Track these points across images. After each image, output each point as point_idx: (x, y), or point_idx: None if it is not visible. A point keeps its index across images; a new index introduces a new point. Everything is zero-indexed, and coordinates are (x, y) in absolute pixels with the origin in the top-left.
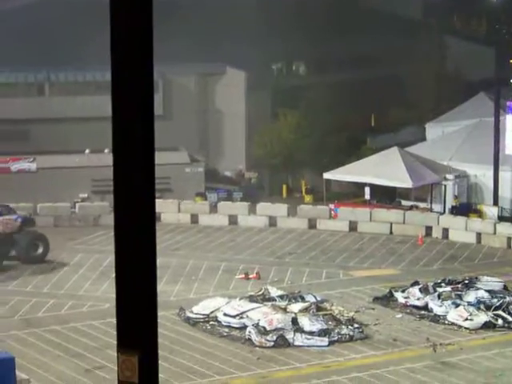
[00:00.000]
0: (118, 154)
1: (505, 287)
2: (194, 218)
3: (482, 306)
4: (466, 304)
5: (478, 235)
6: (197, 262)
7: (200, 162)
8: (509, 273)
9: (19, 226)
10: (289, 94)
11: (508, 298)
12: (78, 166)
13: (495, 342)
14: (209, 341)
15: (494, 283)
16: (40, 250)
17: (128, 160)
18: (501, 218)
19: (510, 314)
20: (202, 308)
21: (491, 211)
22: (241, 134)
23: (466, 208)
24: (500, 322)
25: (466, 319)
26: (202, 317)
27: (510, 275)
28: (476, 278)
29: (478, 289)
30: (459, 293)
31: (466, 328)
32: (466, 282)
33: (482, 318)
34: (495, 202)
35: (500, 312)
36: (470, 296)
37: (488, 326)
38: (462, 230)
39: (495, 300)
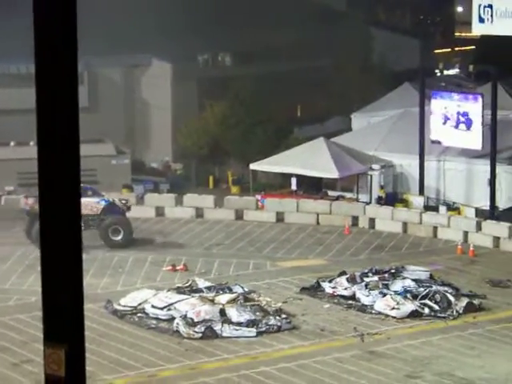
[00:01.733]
0: (43, 146)
1: (431, 276)
2: None
3: (408, 295)
4: (392, 293)
5: (405, 225)
6: (124, 254)
7: (126, 153)
8: (435, 262)
9: None
10: (215, 85)
11: (434, 287)
12: (3, 158)
13: (422, 331)
14: (137, 333)
15: (421, 272)
16: None
17: (52, 152)
18: (426, 208)
19: (436, 302)
20: (129, 300)
21: (417, 201)
22: (167, 125)
23: (392, 198)
24: (426, 310)
25: (393, 308)
26: (129, 309)
27: (436, 264)
28: (402, 267)
29: (404, 278)
30: (386, 282)
31: (392, 317)
32: (393, 271)
33: (409, 307)
34: (421, 192)
35: (426, 301)
36: (397, 285)
37: (415, 314)
38: (388, 220)
39: (422, 289)
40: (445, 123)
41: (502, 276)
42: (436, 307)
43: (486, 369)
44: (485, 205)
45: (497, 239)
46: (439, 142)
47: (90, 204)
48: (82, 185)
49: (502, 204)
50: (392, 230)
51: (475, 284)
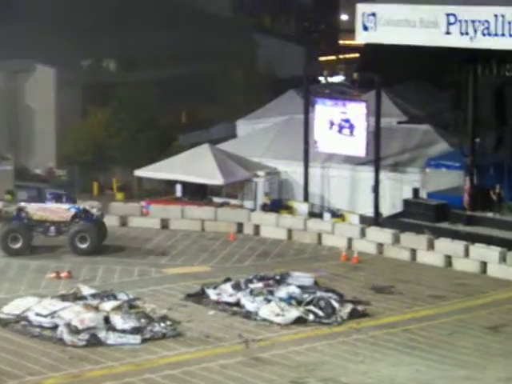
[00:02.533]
0: None
1: (315, 283)
2: None
3: (293, 302)
4: (277, 300)
5: (289, 231)
6: (7, 260)
7: (9, 159)
8: (319, 268)
9: None
10: (99, 91)
11: (319, 294)
12: None
13: (307, 337)
14: (20, 341)
15: (305, 279)
16: None
17: None
18: (311, 214)
19: (320, 309)
20: (12, 308)
21: (301, 207)
22: (51, 131)
23: (277, 204)
24: (311, 317)
25: (278, 315)
26: (12, 317)
27: (321, 271)
28: (287, 273)
29: (289, 284)
30: (271, 289)
31: (277, 324)
32: (278, 278)
33: (294, 313)
34: (305, 199)
35: (311, 307)
36: (282, 292)
37: (299, 321)
38: (273, 227)
39: (306, 295)
40: (329, 130)
41: (386, 282)
42: (320, 313)
43: (369, 374)
44: (369, 211)
45: (380, 246)
46: (323, 149)
47: (59, 210)
48: (53, 191)
49: (385, 211)
50: (277, 236)
51: (359, 290)
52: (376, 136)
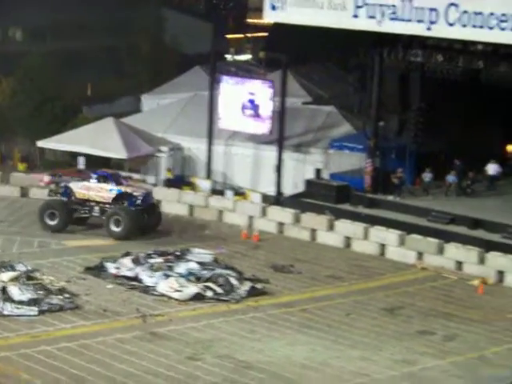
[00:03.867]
0: None
1: (215, 259)
2: None
3: (192, 278)
4: (176, 275)
5: (191, 208)
6: None
7: None
8: (219, 245)
9: None
10: (5, 60)
11: (218, 271)
12: None
13: (204, 314)
14: None
15: (205, 255)
16: None
17: None
18: (213, 192)
19: (219, 285)
20: None
21: (204, 184)
22: None
23: (179, 180)
24: (209, 293)
25: (176, 290)
26: None
27: (221, 248)
28: (187, 249)
29: (188, 260)
30: (170, 264)
31: (175, 299)
32: (178, 253)
33: (192, 289)
34: (208, 176)
35: (210, 284)
36: (181, 268)
37: (198, 297)
38: (175, 202)
39: (205, 272)
40: (233, 108)
41: (285, 261)
42: (219, 290)
43: (265, 352)
44: (271, 190)
45: (281, 225)
46: (227, 127)
47: (102, 191)
48: (101, 170)
49: (287, 190)
50: (179, 212)
51: (259, 268)
52: (280, 116)
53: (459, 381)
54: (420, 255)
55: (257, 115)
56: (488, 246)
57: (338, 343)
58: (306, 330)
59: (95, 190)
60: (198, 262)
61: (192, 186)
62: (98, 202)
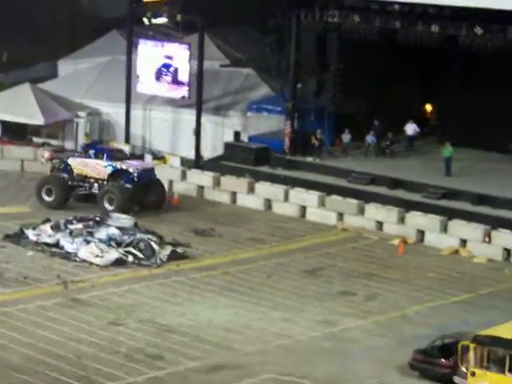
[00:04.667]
0: None
1: (135, 224)
2: None
3: (112, 243)
4: (97, 241)
5: None
6: None
7: None
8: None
9: None
10: None
11: (138, 235)
12: None
13: (126, 279)
14: None
15: (125, 220)
16: None
17: None
18: (132, 156)
19: (140, 250)
20: None
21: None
22: None
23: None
24: (130, 258)
25: (97, 256)
26: None
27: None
28: (107, 215)
29: (109, 226)
30: (90, 230)
31: (96, 265)
32: (98, 219)
33: (113, 255)
34: (127, 140)
35: (130, 249)
36: (101, 233)
37: (119, 262)
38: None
39: (126, 237)
40: (151, 72)
41: (206, 225)
42: (140, 255)
43: (187, 316)
44: (190, 154)
45: (201, 188)
46: (145, 91)
47: (98, 167)
48: (98, 146)
49: (206, 154)
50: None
51: (179, 232)
52: (198, 79)
53: (381, 340)
54: (340, 216)
55: (174, 79)
56: (408, 206)
57: (259, 305)
58: (228, 292)
59: (92, 167)
60: (119, 228)
61: None
62: (96, 179)
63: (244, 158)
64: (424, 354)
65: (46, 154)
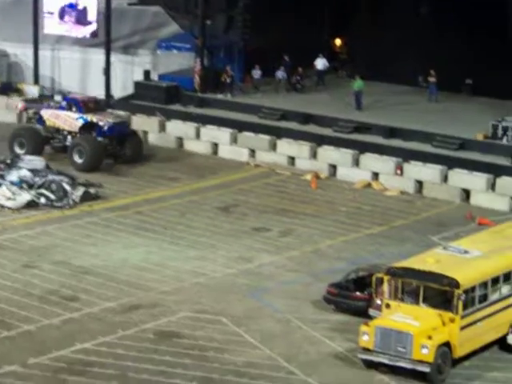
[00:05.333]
0: None
1: (47, 166)
2: None
3: (24, 186)
4: (8, 183)
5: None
6: None
7: None
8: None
9: None
10: None
11: (50, 177)
12: None
13: (38, 221)
14: None
15: (37, 162)
16: None
17: None
18: (41, 97)
19: (52, 192)
20: None
21: (31, 90)
22: None
23: (6, 87)
24: (43, 200)
25: (9, 199)
26: None
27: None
28: (17, 156)
29: (20, 168)
30: (1, 173)
31: (8, 208)
32: (9, 161)
33: (25, 197)
34: (36, 81)
35: (42, 190)
36: (13, 175)
37: (31, 204)
38: (2, 109)
39: (37, 179)
40: (58, 12)
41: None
42: (52, 197)
43: (101, 257)
44: (100, 94)
45: None
46: (53, 32)
47: (69, 119)
48: (71, 97)
49: (117, 93)
50: (7, 120)
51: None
52: (106, 18)
53: (295, 275)
54: (253, 152)
55: (80, 18)
56: (319, 141)
57: (174, 244)
58: (142, 232)
59: (63, 119)
60: (30, 170)
61: (19, 93)
62: (69, 132)
63: (154, 97)
64: (338, 288)
65: (20, 105)
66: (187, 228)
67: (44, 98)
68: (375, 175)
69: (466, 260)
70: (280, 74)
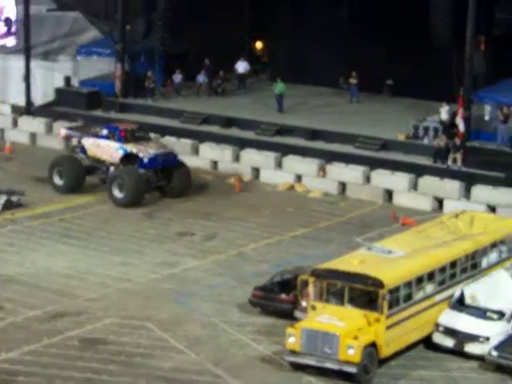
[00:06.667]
0: None
1: None
2: None
3: None
4: None
5: None
6: None
7: None
8: None
9: None
10: None
11: None
12: None
13: None
14: None
15: None
16: None
17: None
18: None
19: None
20: None
21: None
22: None
23: None
24: None
25: None
26: None
27: None
28: None
29: None
30: None
31: None
32: None
33: None
34: None
35: None
36: None
37: None
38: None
39: None
40: None
41: (40, 172)
42: None
43: (25, 265)
44: (21, 101)
45: (33, 135)
46: None
47: (109, 149)
48: (110, 124)
49: (37, 100)
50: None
51: (14, 181)
52: (25, 24)
53: (221, 279)
54: None
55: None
56: (242, 144)
57: (98, 251)
58: (66, 239)
59: (104, 149)
60: None
61: None
62: (111, 163)
63: (76, 103)
64: (264, 291)
65: (62, 132)
66: (111, 234)
67: (88, 126)
68: (298, 177)
69: (390, 260)
70: (201, 77)
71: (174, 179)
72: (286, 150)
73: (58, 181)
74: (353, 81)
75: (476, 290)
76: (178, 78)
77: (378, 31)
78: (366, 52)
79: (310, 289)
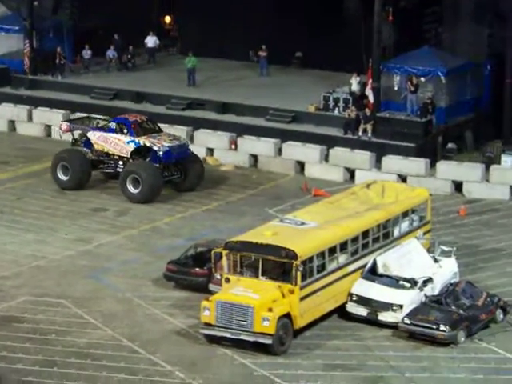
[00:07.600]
0: None
1: None
2: None
3: None
4: None
5: None
6: None
7: None
8: None
9: None
10: None
11: None
12: None
13: None
14: None
15: None
16: None
17: None
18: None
19: None
20: None
21: None
22: None
23: None
24: None
25: None
26: None
27: None
28: None
29: None
30: None
31: None
32: None
33: None
34: None
35: None
36: None
37: None
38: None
39: None
40: None
41: None
42: None
43: None
44: None
45: None
46: None
47: (119, 143)
48: (120, 117)
49: None
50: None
51: None
52: None
53: (135, 254)
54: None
55: None
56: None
57: (11, 228)
58: None
59: (112, 142)
60: None
61: None
62: (120, 157)
63: None
64: (178, 265)
65: (64, 126)
66: (24, 212)
67: (91, 119)
68: (210, 151)
69: (302, 231)
70: (111, 53)
71: (188, 173)
72: (197, 124)
73: (62, 176)
74: (262, 53)
75: (388, 259)
76: (87, 53)
77: (288, 3)
78: (275, 24)
79: (224, 262)
